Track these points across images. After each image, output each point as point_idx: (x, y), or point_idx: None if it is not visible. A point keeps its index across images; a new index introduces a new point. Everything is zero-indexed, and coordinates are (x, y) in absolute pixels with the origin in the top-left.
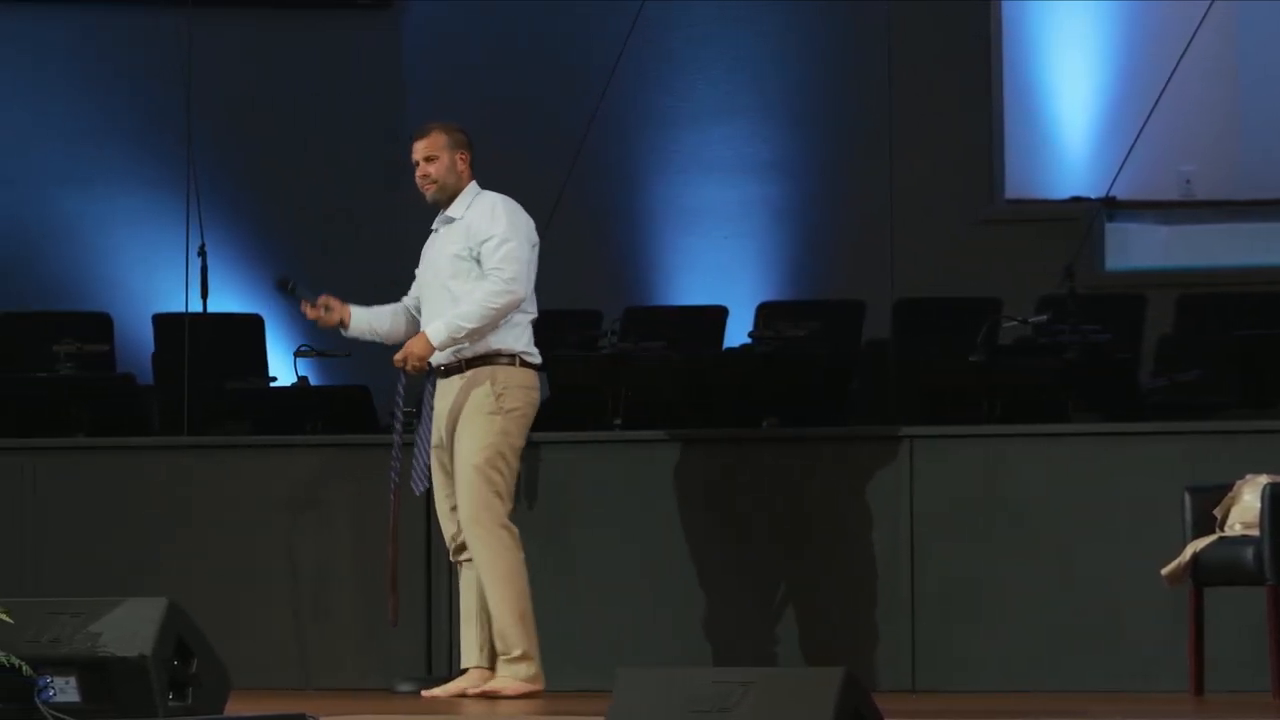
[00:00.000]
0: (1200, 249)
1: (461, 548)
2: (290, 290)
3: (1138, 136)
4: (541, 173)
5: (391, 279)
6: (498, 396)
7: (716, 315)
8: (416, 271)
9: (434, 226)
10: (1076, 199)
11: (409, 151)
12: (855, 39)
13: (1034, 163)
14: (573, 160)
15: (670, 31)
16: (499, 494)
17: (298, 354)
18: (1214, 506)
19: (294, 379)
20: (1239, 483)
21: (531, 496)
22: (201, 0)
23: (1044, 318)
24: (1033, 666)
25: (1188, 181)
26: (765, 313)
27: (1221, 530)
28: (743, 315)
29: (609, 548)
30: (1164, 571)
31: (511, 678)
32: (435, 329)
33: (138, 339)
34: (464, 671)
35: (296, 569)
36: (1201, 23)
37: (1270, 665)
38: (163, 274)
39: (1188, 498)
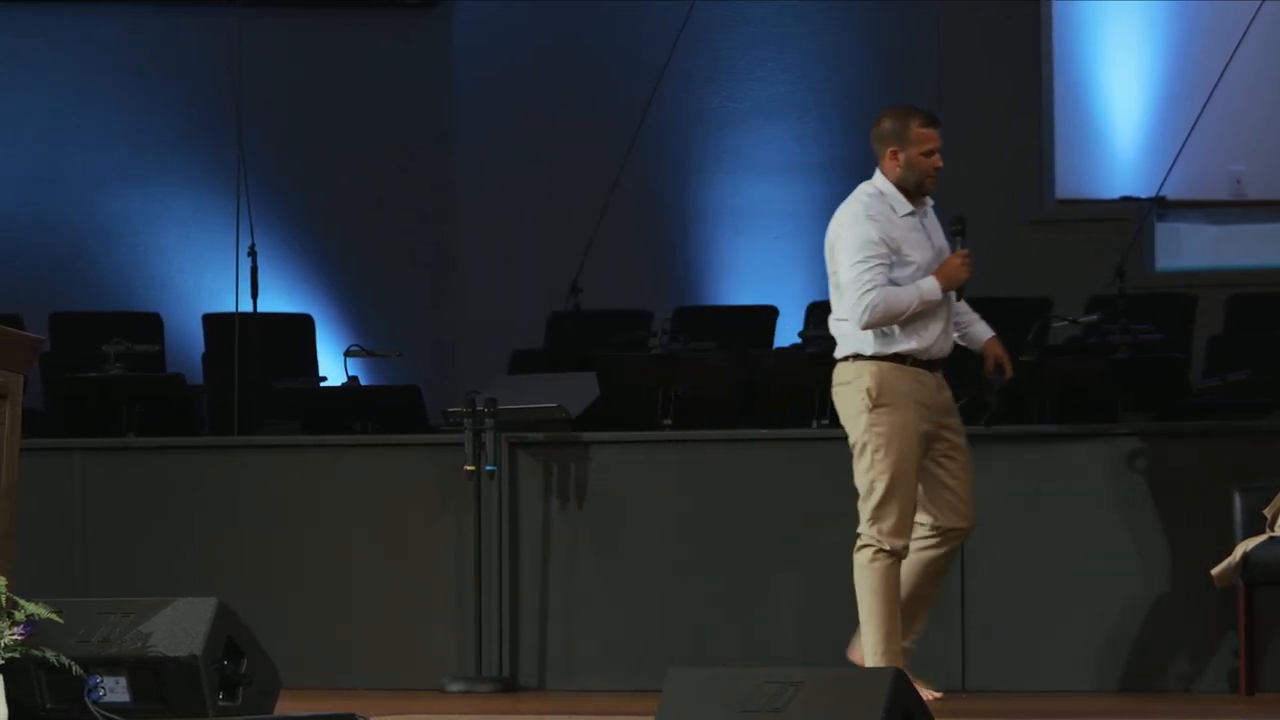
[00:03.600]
0: (1250, 249)
1: (950, 533)
2: (960, 230)
3: (1188, 136)
4: (591, 173)
5: (437, 277)
6: None
7: (767, 315)
8: (912, 258)
9: (906, 212)
10: (1127, 199)
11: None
12: (905, 39)
13: (1084, 163)
14: (622, 161)
15: (719, 32)
16: None
17: (348, 354)
18: (1264, 506)
19: (344, 378)
20: None
21: (581, 496)
22: (251, 0)
23: (1094, 317)
24: (1082, 666)
25: (1238, 181)
26: (815, 312)
27: (1271, 530)
28: (793, 315)
29: (659, 548)
30: (1214, 571)
31: None
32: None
33: (188, 339)
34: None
35: (346, 569)
36: (1252, 22)
37: None
38: (212, 274)
39: (1238, 497)
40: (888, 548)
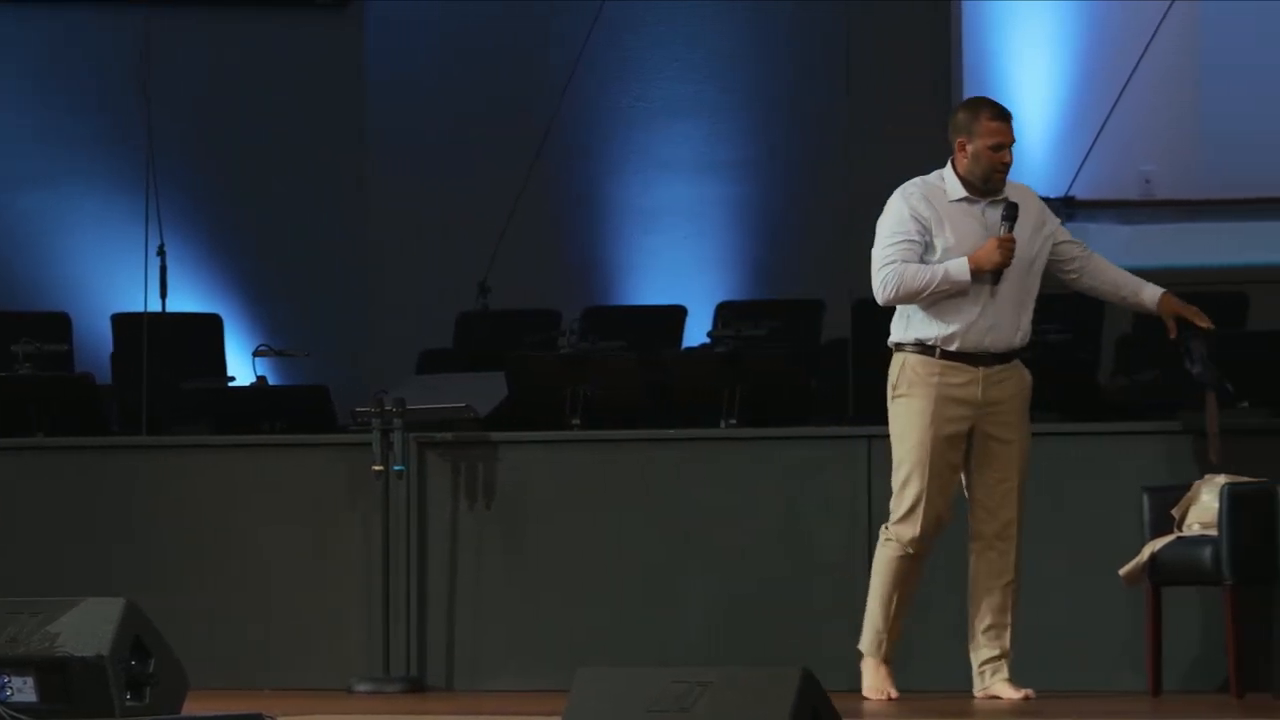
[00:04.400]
0: (1160, 248)
1: (977, 539)
2: (1013, 217)
3: (1098, 136)
4: (501, 172)
5: (347, 277)
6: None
7: (675, 315)
8: (948, 240)
9: (958, 197)
10: None
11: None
12: (814, 39)
13: None
14: (532, 160)
15: (629, 31)
16: None
17: (256, 354)
18: (1172, 506)
19: (252, 379)
20: (1197, 483)
21: (490, 496)
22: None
23: None
24: None
25: (1148, 181)
26: (724, 312)
27: (1180, 530)
28: (702, 315)
29: (568, 547)
30: (1122, 571)
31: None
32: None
33: (96, 339)
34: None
35: (254, 569)
36: (1162, 22)
37: (1228, 664)
38: (122, 274)
39: (1146, 498)
40: (894, 538)
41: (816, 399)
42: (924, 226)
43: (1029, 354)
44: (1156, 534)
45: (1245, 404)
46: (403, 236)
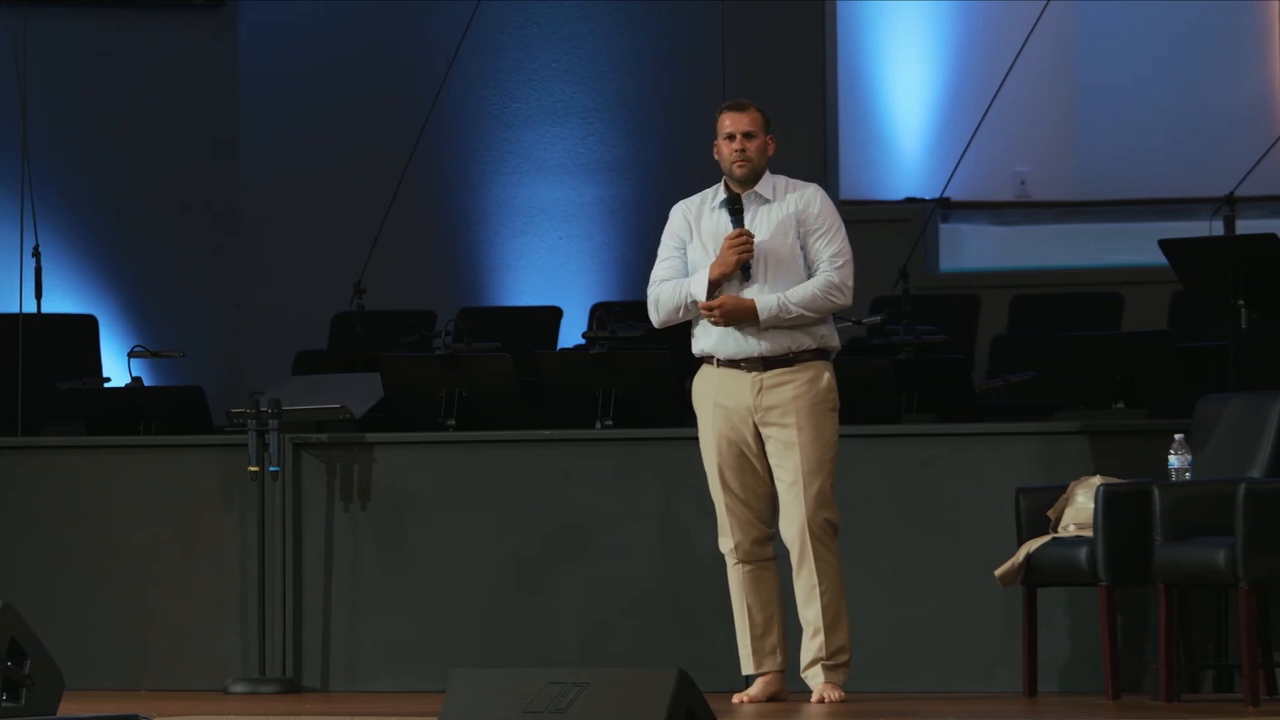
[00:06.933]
0: (1034, 249)
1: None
2: (736, 210)
3: (972, 137)
4: (376, 173)
5: (223, 277)
6: (833, 392)
7: (551, 316)
8: (688, 249)
9: (717, 205)
10: (911, 200)
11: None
12: (690, 40)
13: (868, 164)
14: (406, 161)
15: (503, 32)
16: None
17: (131, 354)
18: (1047, 507)
19: (128, 379)
20: (1072, 484)
21: (365, 497)
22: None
23: (878, 318)
24: (866, 667)
25: (1022, 183)
26: (599, 313)
27: (1055, 531)
28: (577, 316)
29: (443, 548)
30: (997, 573)
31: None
32: (766, 302)
33: None
34: (756, 678)
35: (130, 570)
36: (1037, 24)
37: (1103, 665)
38: None
39: (1021, 498)
40: (721, 551)
41: (691, 400)
42: (680, 240)
43: (907, 355)
44: (1031, 535)
45: (1120, 404)
46: (277, 237)
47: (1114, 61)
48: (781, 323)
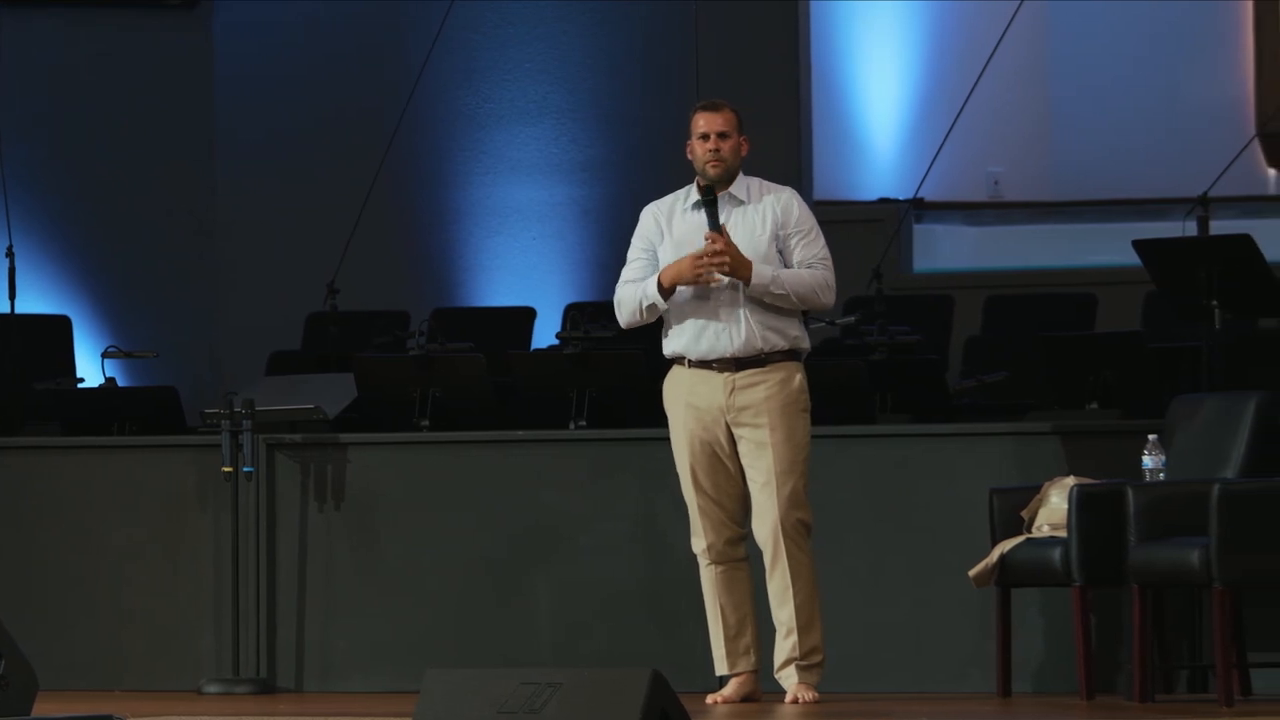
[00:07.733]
0: (1008, 250)
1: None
2: (711, 202)
3: (946, 138)
4: (350, 173)
5: (197, 277)
6: (805, 393)
7: (524, 316)
8: (658, 251)
9: (690, 206)
10: (884, 200)
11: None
12: (663, 40)
13: (842, 164)
14: (380, 161)
15: (477, 32)
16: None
17: (105, 355)
18: (1020, 508)
19: (102, 380)
20: (1046, 484)
21: (339, 497)
22: None
23: (852, 319)
24: (840, 667)
25: (996, 183)
26: (573, 314)
27: (1029, 532)
28: (551, 316)
29: (417, 548)
30: (971, 573)
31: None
32: (762, 269)
33: None
34: (729, 679)
35: (105, 571)
36: (1011, 24)
37: (1077, 666)
38: None
39: (994, 499)
40: (695, 552)
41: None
42: (650, 243)
43: (881, 355)
44: (1005, 535)
45: (1094, 405)
46: (251, 237)
47: (1087, 62)
48: (765, 295)
